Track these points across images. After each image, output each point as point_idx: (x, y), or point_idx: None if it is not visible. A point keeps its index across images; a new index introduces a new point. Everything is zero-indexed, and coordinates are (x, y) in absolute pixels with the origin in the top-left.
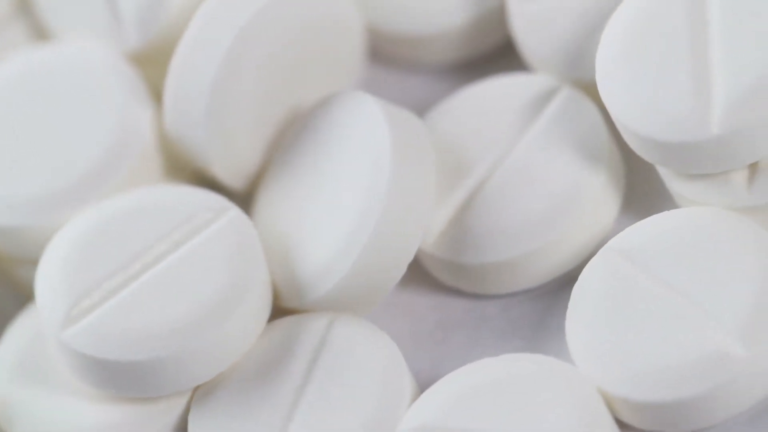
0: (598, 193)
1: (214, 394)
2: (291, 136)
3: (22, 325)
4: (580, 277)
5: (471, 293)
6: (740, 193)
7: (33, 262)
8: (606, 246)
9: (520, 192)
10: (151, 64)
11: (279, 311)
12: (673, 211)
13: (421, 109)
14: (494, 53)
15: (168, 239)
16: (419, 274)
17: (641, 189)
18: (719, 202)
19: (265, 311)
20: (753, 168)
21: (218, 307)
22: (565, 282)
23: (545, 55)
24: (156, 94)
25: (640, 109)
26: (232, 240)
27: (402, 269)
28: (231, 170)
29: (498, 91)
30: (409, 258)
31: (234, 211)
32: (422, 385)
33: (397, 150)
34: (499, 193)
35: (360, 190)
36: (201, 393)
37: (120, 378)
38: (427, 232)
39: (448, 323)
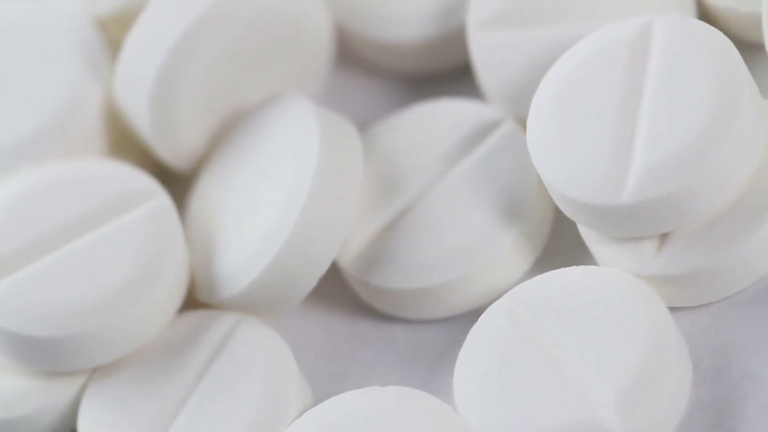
0: (518, 237)
1: (110, 377)
2: (232, 132)
3: None
4: (479, 320)
5: (383, 313)
6: (648, 261)
7: None
8: (510, 292)
9: (441, 223)
10: (125, 31)
11: (195, 304)
12: (576, 268)
13: (380, 115)
14: (463, 69)
15: (89, 217)
16: (339, 285)
17: (565, 239)
18: (629, 267)
19: (174, 302)
20: (663, 238)
21: (124, 292)
22: (478, 316)
23: (496, 87)
24: None
25: (561, 166)
26: (151, 227)
27: (316, 276)
28: (174, 151)
29: (443, 114)
30: (324, 266)
31: (160, 198)
32: (320, 396)
33: (323, 158)
34: (420, 220)
35: (282, 192)
36: (99, 374)
37: (19, 349)
38: (347, 246)
39: (357, 339)
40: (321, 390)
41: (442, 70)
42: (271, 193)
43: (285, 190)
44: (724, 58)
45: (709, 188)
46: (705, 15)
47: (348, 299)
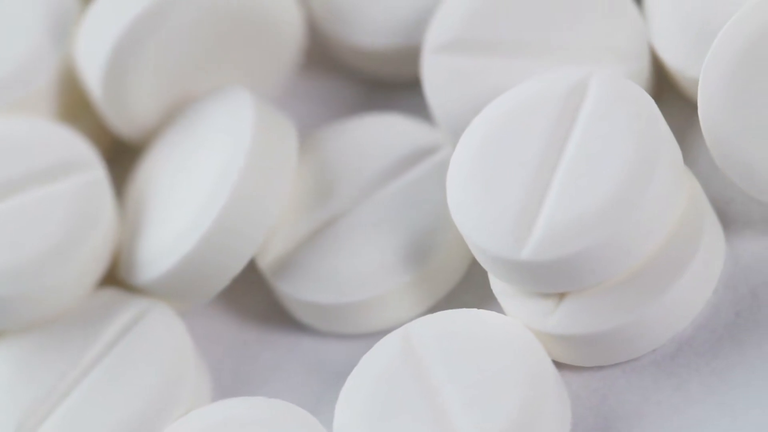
0: (428, 271)
1: (9, 345)
2: (177, 116)
3: None
4: (372, 348)
5: (296, 319)
6: (544, 318)
7: None
8: (406, 326)
9: (356, 243)
10: None
11: (120, 285)
12: (470, 310)
13: (335, 117)
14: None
15: (21, 179)
16: (259, 285)
17: (477, 281)
18: (527, 320)
19: (91, 278)
20: (561, 297)
21: (41, 260)
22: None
23: (443, 111)
24: None
25: (472, 211)
26: (81, 198)
27: (234, 270)
28: (125, 121)
29: (387, 129)
30: (244, 260)
31: (95, 171)
32: (221, 392)
33: (253, 153)
34: (339, 236)
35: (210, 182)
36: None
37: None
38: (268, 248)
39: (266, 341)
40: (222, 386)
41: (411, 80)
42: (200, 182)
43: (212, 180)
44: (646, 124)
45: (611, 255)
46: (658, 69)
47: (264, 300)
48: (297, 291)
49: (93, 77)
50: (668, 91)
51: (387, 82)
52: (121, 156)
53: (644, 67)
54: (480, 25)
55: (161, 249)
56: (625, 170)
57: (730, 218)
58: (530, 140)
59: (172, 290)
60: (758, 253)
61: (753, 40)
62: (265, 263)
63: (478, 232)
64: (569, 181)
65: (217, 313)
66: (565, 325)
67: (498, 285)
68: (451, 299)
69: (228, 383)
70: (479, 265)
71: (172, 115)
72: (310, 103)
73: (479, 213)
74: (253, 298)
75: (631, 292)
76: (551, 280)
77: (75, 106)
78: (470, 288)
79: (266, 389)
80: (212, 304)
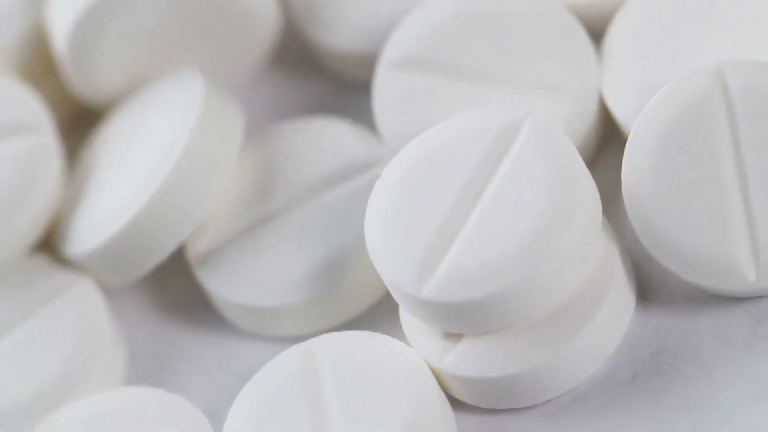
0: (340, 289)
1: None
2: (135, 93)
3: None
4: (273, 359)
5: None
6: (441, 356)
7: None
8: (309, 341)
9: (277, 249)
10: None
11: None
12: (368, 333)
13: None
14: None
15: None
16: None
17: (389, 306)
18: (425, 355)
19: (23, 243)
20: (459, 338)
21: None
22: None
23: (386, 126)
24: None
25: (385, 241)
26: (23, 160)
27: (167, 250)
28: (87, 85)
29: (333, 137)
30: (176, 241)
31: (44, 135)
32: (138, 374)
33: (197, 134)
34: (265, 239)
35: (152, 160)
36: None
37: None
38: (198, 240)
39: (187, 331)
40: (138, 370)
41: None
42: (141, 160)
43: (153, 159)
44: (566, 176)
45: (511, 304)
46: (607, 115)
47: (191, 289)
48: (216, 286)
49: (61, 39)
50: (617, 139)
51: (360, 86)
52: (84, 126)
53: (592, 110)
54: (438, 46)
55: (94, 224)
56: (537, 220)
57: (647, 278)
58: (453, 177)
59: (100, 267)
60: (668, 318)
61: (681, 112)
62: (192, 253)
63: (386, 263)
64: (482, 225)
65: (144, 298)
66: (456, 366)
67: (405, 315)
68: (365, 319)
69: (144, 368)
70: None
71: (135, 86)
72: (278, 97)
73: (391, 243)
74: (181, 287)
75: (527, 342)
76: (450, 320)
77: (41, 69)
78: (386, 311)
79: (178, 380)
80: (139, 289)
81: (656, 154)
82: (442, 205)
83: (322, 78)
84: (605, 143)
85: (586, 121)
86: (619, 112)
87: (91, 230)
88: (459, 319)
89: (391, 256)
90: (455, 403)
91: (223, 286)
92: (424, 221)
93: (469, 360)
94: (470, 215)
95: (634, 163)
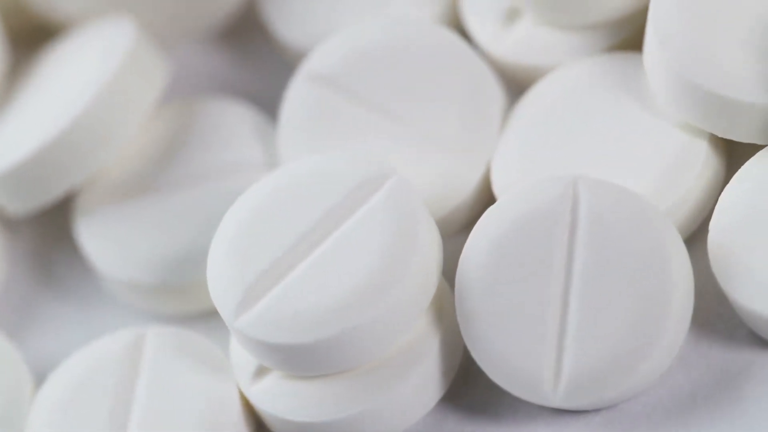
0: None
1: None
2: (74, 31)
3: None
4: (102, 339)
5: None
6: (249, 385)
7: None
8: (142, 329)
9: (164, 226)
10: None
11: None
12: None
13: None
14: None
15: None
16: None
17: None
18: (239, 379)
19: None
20: (266, 372)
21: None
22: None
23: (284, 132)
24: None
25: (219, 269)
26: None
27: (74, 181)
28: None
29: (235, 127)
30: (83, 174)
31: None
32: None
33: (117, 74)
34: (149, 212)
35: (69, 94)
36: None
37: None
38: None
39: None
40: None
41: None
42: (60, 95)
43: (70, 95)
44: (404, 240)
45: (317, 357)
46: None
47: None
48: (88, 241)
49: None
50: None
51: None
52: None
53: (476, 177)
54: (352, 71)
55: (1, 151)
56: (359, 281)
57: None
58: (303, 216)
59: (3, 192)
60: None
61: (525, 217)
62: (78, 204)
63: (214, 284)
64: (309, 272)
65: (35, 285)
66: (259, 400)
67: None
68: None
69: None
70: None
71: (87, 10)
72: (219, 72)
73: (225, 266)
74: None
75: (331, 392)
76: (259, 355)
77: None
78: None
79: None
80: (25, 278)
81: (491, 257)
82: (283, 242)
83: (269, 63)
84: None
85: (467, 186)
86: (497, 189)
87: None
88: (266, 357)
89: (221, 279)
90: None
91: (97, 252)
92: (262, 254)
93: (271, 397)
94: (304, 259)
95: (469, 260)
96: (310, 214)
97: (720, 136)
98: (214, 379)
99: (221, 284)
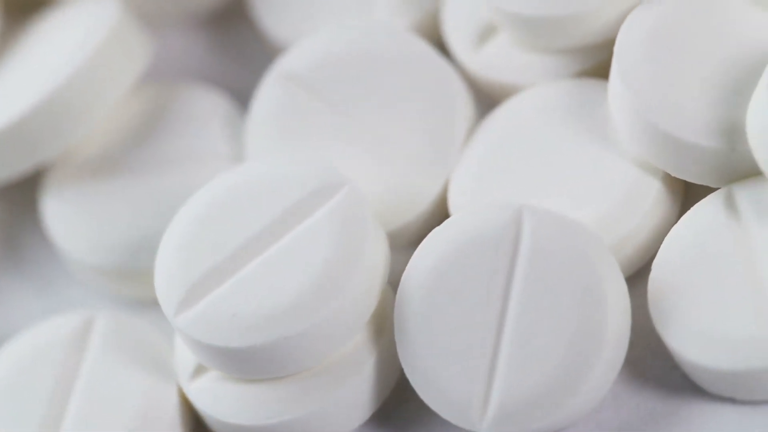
0: None
1: None
2: (60, 5)
3: None
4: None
5: None
6: (188, 382)
7: None
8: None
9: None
10: None
11: None
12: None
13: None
14: None
15: None
16: None
17: None
18: (178, 374)
19: None
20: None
21: None
22: None
23: (253, 122)
24: None
25: (166, 269)
26: None
27: (47, 155)
28: None
29: (205, 116)
30: (66, 142)
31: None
32: None
33: (99, 50)
34: (115, 192)
35: (49, 67)
36: None
37: None
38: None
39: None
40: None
41: None
42: (40, 68)
43: (50, 68)
44: (350, 248)
45: (254, 361)
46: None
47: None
48: (52, 219)
49: None
50: None
51: None
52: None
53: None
54: (324, 74)
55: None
56: (302, 288)
57: None
58: (253, 219)
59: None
60: None
61: (452, 250)
62: (46, 180)
63: (159, 281)
64: (252, 276)
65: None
66: (195, 398)
67: None
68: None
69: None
70: None
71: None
72: (203, 58)
73: (170, 263)
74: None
75: (265, 396)
76: (199, 354)
77: None
78: None
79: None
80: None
81: (431, 277)
82: (230, 243)
83: (251, 55)
84: None
85: (424, 200)
86: (453, 207)
87: None
88: (205, 357)
89: (166, 274)
90: None
91: (60, 231)
92: (208, 253)
93: (207, 396)
94: (249, 263)
95: (411, 278)
96: (261, 218)
97: (674, 175)
98: (155, 373)
99: (166, 279)
